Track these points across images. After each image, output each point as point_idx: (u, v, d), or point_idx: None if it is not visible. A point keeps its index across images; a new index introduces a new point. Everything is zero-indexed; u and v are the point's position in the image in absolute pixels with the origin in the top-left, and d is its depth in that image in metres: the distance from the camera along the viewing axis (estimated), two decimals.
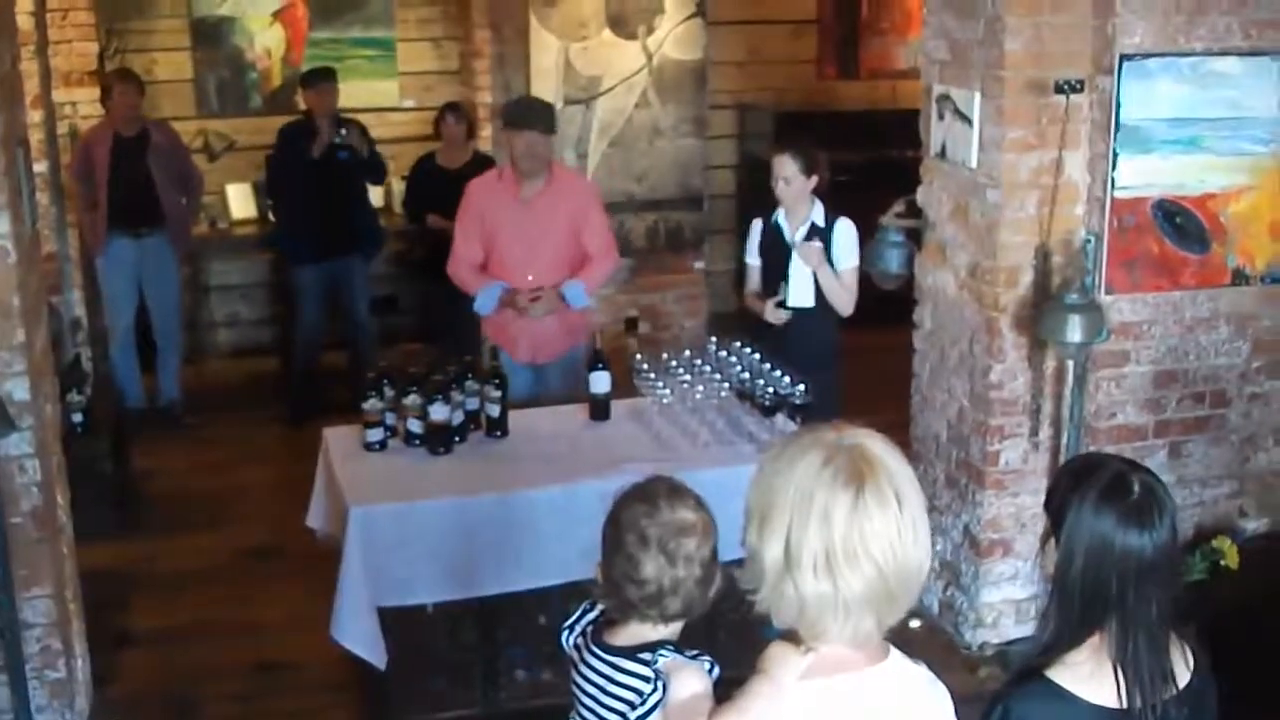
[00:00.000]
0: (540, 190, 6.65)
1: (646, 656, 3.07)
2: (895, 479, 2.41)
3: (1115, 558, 2.76)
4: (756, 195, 7.26)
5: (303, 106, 9.22)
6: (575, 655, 3.27)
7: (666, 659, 3.05)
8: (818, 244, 6.40)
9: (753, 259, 6.76)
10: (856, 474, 2.38)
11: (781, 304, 6.50)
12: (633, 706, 3.06)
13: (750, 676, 2.52)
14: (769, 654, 2.52)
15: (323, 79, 9.08)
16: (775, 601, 2.44)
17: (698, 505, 3.08)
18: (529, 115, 6.71)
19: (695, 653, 3.10)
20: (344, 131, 8.89)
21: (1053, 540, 2.87)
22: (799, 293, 6.47)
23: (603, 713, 3.14)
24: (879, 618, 2.43)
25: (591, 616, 3.29)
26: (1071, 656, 2.82)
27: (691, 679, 3.02)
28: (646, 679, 3.04)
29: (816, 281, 6.45)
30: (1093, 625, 2.80)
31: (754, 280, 6.82)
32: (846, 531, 2.35)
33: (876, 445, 2.45)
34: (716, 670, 3.07)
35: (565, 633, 3.33)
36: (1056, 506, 2.87)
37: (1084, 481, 2.84)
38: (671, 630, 3.11)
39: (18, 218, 4.83)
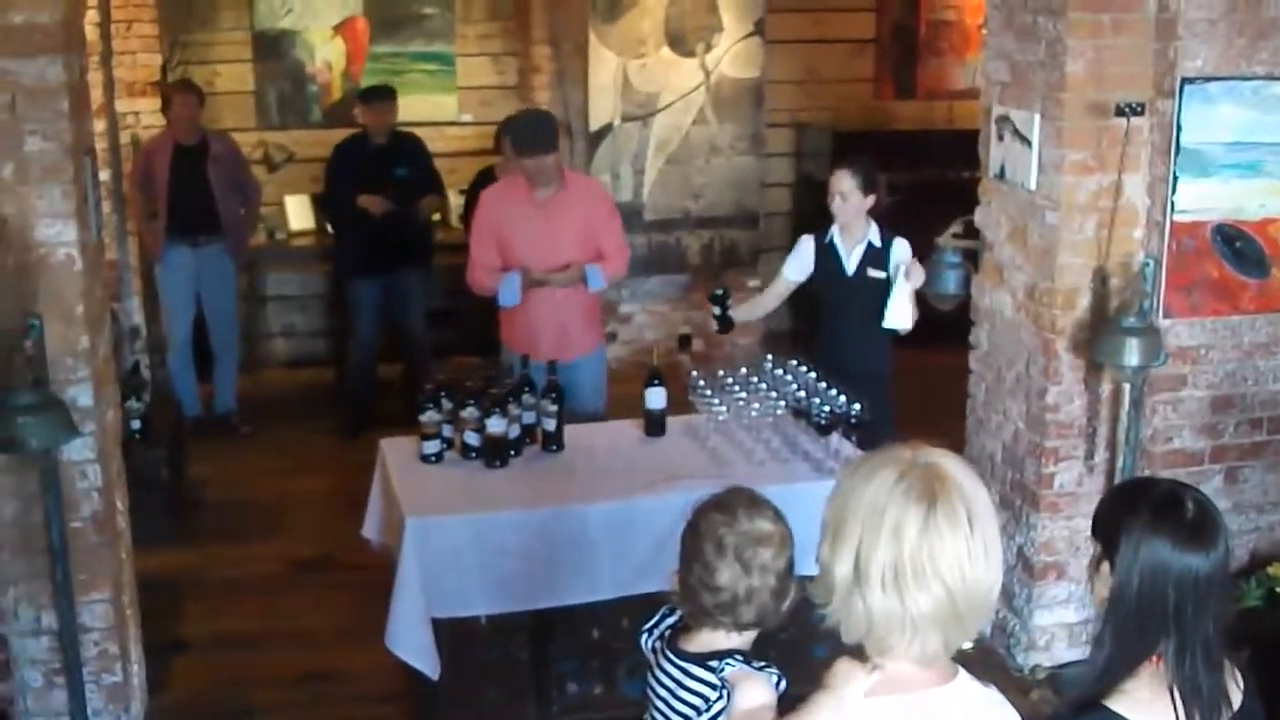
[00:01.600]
0: (554, 193, 6.70)
1: (715, 664, 3.09)
2: (969, 499, 2.42)
3: (1173, 578, 2.74)
4: (812, 213, 7.27)
5: (360, 121, 9.29)
6: (652, 658, 3.31)
7: (733, 668, 3.09)
8: (916, 264, 6.35)
9: (792, 273, 6.75)
10: (929, 491, 2.39)
11: (721, 318, 6.57)
12: (698, 712, 3.10)
13: (814, 691, 2.53)
14: (835, 670, 2.53)
15: (381, 97, 9.15)
16: (844, 616, 2.45)
17: (776, 517, 3.12)
18: (527, 142, 6.72)
19: (763, 664, 3.12)
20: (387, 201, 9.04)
21: (1104, 565, 2.86)
22: (897, 314, 6.41)
23: (671, 716, 3.19)
24: (946, 637, 2.43)
25: (670, 621, 3.33)
26: (1129, 684, 2.80)
27: (757, 689, 3.05)
28: (713, 686, 3.08)
29: (923, 308, 6.40)
30: (1149, 649, 2.78)
31: (774, 294, 6.91)
32: (916, 549, 2.37)
33: (952, 465, 2.46)
34: (784, 683, 3.08)
35: (645, 635, 3.38)
36: (1107, 531, 2.85)
37: (1135, 504, 2.82)
38: (744, 639, 3.14)
39: (84, 226, 4.88)
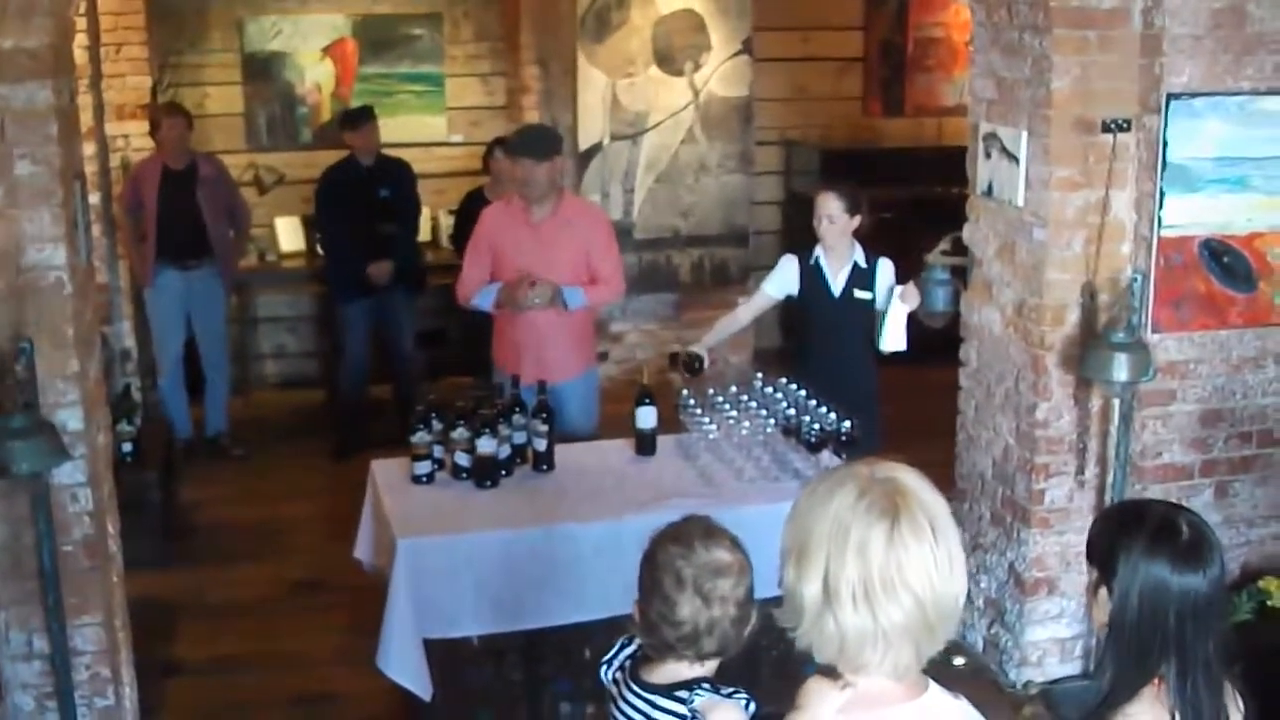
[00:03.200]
0: (549, 215, 6.70)
1: (683, 695, 3.08)
2: (930, 511, 2.43)
3: (1173, 599, 2.75)
4: (802, 231, 7.29)
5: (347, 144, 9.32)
6: (614, 690, 3.30)
7: (703, 698, 3.07)
8: (911, 286, 6.36)
9: (773, 290, 6.76)
10: (891, 506, 2.40)
11: (691, 358, 6.55)
12: None
13: (788, 713, 2.54)
14: (806, 689, 2.53)
15: (363, 119, 9.21)
16: (816, 637, 2.45)
17: (733, 545, 3.10)
18: (519, 145, 6.81)
19: (731, 690, 3.12)
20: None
21: (1102, 590, 2.86)
22: (894, 337, 6.44)
23: None
24: (918, 649, 2.44)
25: (629, 651, 3.31)
26: (1131, 708, 2.80)
27: (728, 717, 3.04)
28: (682, 716, 3.06)
29: (910, 326, 6.42)
30: (1151, 673, 2.79)
31: (752, 308, 6.94)
32: (884, 563, 2.38)
33: (910, 478, 2.47)
34: (754, 706, 3.08)
35: (604, 667, 3.36)
36: (1103, 556, 2.86)
37: (1131, 528, 2.83)
38: (708, 668, 3.13)
39: (73, 249, 4.88)
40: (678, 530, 3.15)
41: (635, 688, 3.19)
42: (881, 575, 2.38)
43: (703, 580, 3.04)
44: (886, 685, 2.47)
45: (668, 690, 3.12)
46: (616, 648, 3.37)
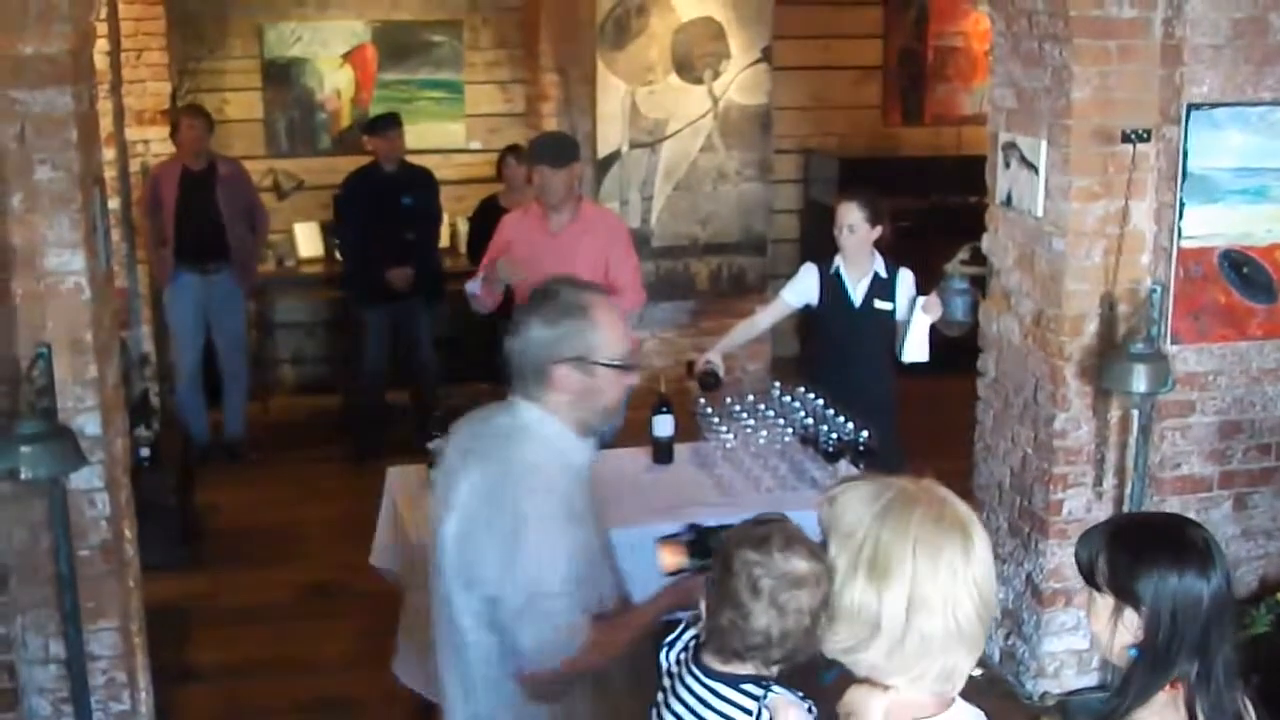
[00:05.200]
0: (568, 224, 6.70)
1: (751, 689, 3.02)
2: (979, 523, 2.59)
3: (1204, 609, 2.75)
4: (820, 240, 7.28)
5: (369, 149, 9.33)
6: (674, 673, 3.23)
7: (778, 695, 3.01)
8: (934, 297, 6.35)
9: (792, 298, 6.76)
10: (958, 522, 2.54)
11: (707, 373, 6.50)
12: None
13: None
14: (852, 698, 2.59)
15: (388, 125, 9.20)
16: (893, 650, 2.51)
17: (811, 554, 2.90)
18: (537, 151, 6.85)
19: (801, 694, 3.06)
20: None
21: (1126, 612, 2.82)
22: (916, 347, 6.44)
23: None
24: (971, 656, 2.54)
25: (691, 635, 3.23)
26: (1141, 712, 2.79)
27: (797, 718, 3.00)
28: (748, 711, 3.01)
29: (931, 336, 6.41)
30: (1167, 677, 2.78)
31: (771, 315, 6.92)
32: (966, 576, 2.50)
33: (950, 494, 2.60)
34: (815, 713, 3.04)
35: (665, 649, 3.28)
36: (1123, 581, 2.82)
37: (1148, 547, 2.81)
38: (772, 671, 3.07)
39: (92, 254, 4.89)
40: (756, 534, 3.00)
41: (698, 672, 3.13)
42: (964, 584, 2.49)
43: (779, 592, 2.91)
44: (922, 697, 2.53)
45: (734, 680, 3.05)
46: (679, 632, 3.29)
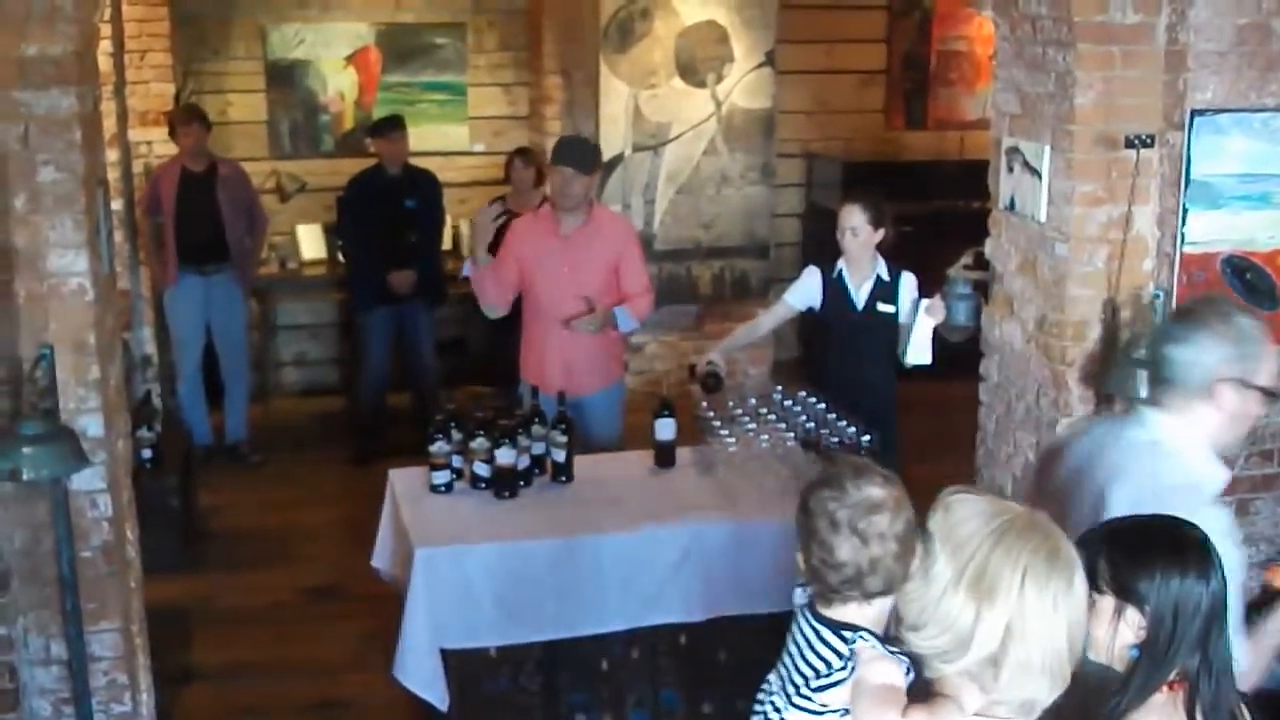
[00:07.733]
0: (579, 227, 6.71)
1: (848, 635, 3.05)
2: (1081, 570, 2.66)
3: (1204, 608, 2.79)
4: (822, 244, 7.28)
5: (372, 151, 9.34)
6: (797, 613, 3.25)
7: (866, 643, 3.02)
8: (937, 300, 6.34)
9: (795, 301, 6.74)
10: (1071, 564, 2.61)
11: (709, 375, 6.47)
12: (818, 674, 3.04)
13: (933, 695, 2.71)
14: (952, 682, 2.67)
15: (393, 128, 9.21)
16: (981, 670, 2.59)
17: (885, 481, 3.02)
18: (563, 152, 6.80)
19: (895, 650, 3.06)
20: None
21: (1128, 611, 2.84)
22: (919, 350, 6.43)
23: (792, 673, 3.14)
24: (1052, 693, 2.61)
25: None
26: (1136, 714, 2.80)
27: (890, 670, 2.98)
28: (840, 655, 3.03)
29: (933, 340, 6.40)
30: (1165, 678, 2.80)
31: (773, 318, 6.91)
32: (1065, 616, 2.57)
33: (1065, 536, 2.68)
34: (913, 674, 3.03)
35: (801, 588, 3.30)
36: (1124, 582, 2.84)
37: (1149, 549, 2.83)
38: (877, 610, 3.05)
39: (95, 256, 4.89)
40: (827, 474, 3.10)
41: (809, 615, 3.16)
42: (1062, 623, 2.57)
43: (857, 519, 2.97)
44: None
45: (835, 626, 3.08)
46: None
